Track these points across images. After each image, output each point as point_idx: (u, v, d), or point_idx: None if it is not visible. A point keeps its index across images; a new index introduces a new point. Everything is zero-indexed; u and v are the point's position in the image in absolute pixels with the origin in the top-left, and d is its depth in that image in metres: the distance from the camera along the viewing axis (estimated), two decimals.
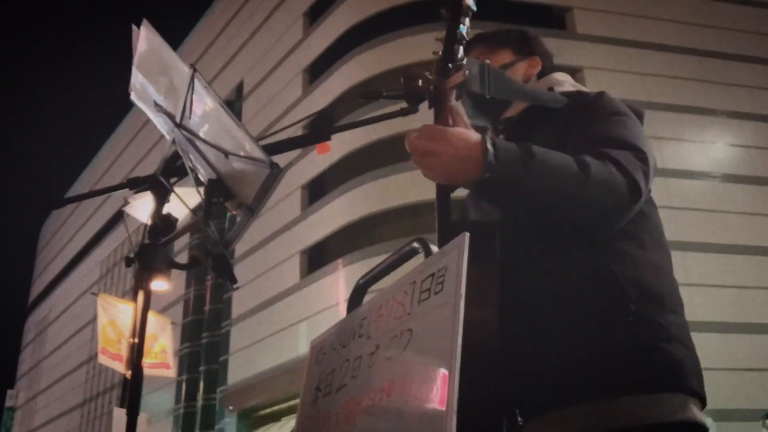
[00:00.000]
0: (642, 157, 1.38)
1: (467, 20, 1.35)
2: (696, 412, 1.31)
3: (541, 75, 1.73)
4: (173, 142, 1.49)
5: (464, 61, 1.38)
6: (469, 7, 1.34)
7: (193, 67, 1.38)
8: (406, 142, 1.34)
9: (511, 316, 1.33)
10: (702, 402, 1.35)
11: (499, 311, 1.28)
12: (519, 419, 1.34)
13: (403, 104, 1.43)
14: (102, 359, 8.16)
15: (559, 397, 1.31)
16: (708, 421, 1.36)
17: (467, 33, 1.38)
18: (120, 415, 6.69)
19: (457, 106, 1.39)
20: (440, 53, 1.37)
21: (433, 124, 1.36)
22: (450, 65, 1.35)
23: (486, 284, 1.29)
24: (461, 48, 1.36)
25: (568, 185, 1.28)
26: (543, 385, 1.33)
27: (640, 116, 1.58)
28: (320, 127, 19.04)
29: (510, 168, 1.28)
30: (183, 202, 1.46)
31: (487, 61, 1.47)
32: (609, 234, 1.37)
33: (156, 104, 1.49)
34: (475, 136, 1.31)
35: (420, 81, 1.38)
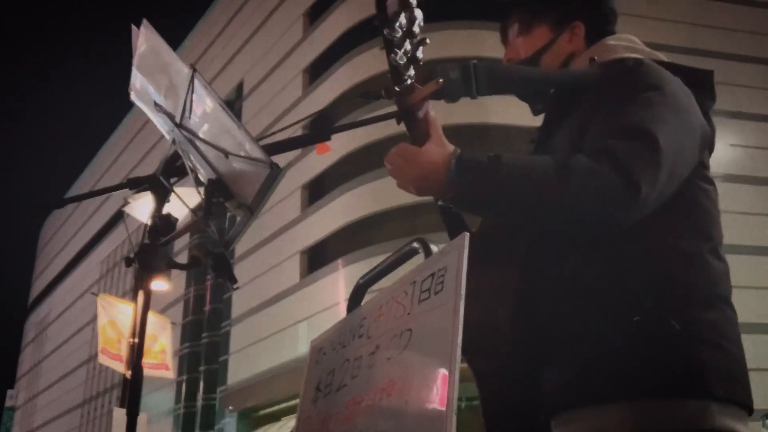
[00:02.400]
0: (652, 146, 1.26)
1: (407, 42, 1.28)
2: (722, 420, 1.22)
3: (592, 35, 1.59)
4: (173, 142, 1.49)
5: (409, 82, 1.32)
6: (390, 39, 1.27)
7: (193, 67, 1.38)
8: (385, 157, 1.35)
9: (531, 314, 1.32)
10: (743, 408, 1.27)
11: (516, 312, 1.28)
12: (541, 417, 1.34)
13: None
14: (102, 359, 8.16)
15: (575, 397, 1.29)
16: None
17: (409, 53, 1.31)
18: (120, 415, 6.68)
19: (432, 116, 1.36)
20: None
21: (405, 143, 1.35)
22: (398, 88, 1.32)
23: (504, 284, 1.29)
24: (411, 67, 1.30)
25: (538, 195, 1.25)
26: (561, 384, 1.31)
27: (704, 78, 1.46)
28: (320, 127, 19.03)
29: (471, 186, 1.28)
30: (183, 202, 1.46)
31: (474, 61, 1.40)
32: (636, 226, 1.28)
33: (156, 104, 1.49)
34: (442, 153, 1.30)
35: (392, 96, 1.35)
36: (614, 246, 1.32)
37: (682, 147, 1.32)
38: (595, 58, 1.51)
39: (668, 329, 1.24)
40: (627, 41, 1.56)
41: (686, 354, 1.24)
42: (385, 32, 1.26)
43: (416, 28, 1.28)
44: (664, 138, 1.28)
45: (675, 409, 1.22)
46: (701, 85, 1.45)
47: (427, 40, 1.30)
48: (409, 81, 1.32)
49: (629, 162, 1.24)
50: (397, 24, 1.25)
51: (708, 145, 1.44)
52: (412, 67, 1.31)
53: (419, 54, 1.31)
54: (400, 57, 1.28)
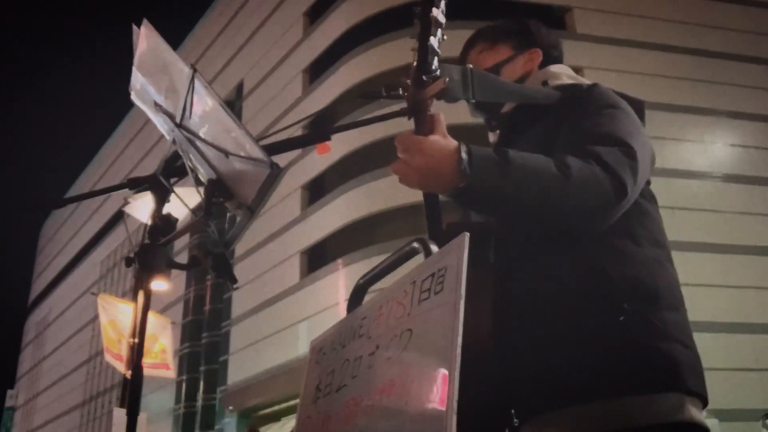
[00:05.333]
0: (630, 152, 1.36)
1: (439, 31, 1.32)
2: (694, 412, 1.30)
3: (545, 66, 1.72)
4: (173, 142, 1.49)
5: (438, 72, 1.35)
6: (437, 20, 1.32)
7: (193, 67, 1.38)
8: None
9: (506, 317, 1.33)
10: (703, 401, 1.34)
11: (493, 313, 1.29)
12: (515, 420, 1.34)
13: (403, 104, 1.43)
14: (107, 357, 8.18)
15: (553, 398, 1.31)
16: (713, 422, 1.35)
17: (440, 43, 1.34)
18: (120, 415, 6.68)
19: (438, 114, 1.37)
20: (414, 65, 1.35)
21: (410, 133, 1.35)
22: (424, 77, 1.34)
23: (480, 287, 1.29)
24: (435, 59, 1.34)
25: (546, 189, 1.27)
26: (538, 386, 1.33)
27: (638, 106, 1.56)
28: (320, 127, 19.03)
29: (485, 176, 1.27)
30: (183, 202, 1.46)
31: (470, 66, 1.46)
32: (602, 231, 1.36)
33: (156, 104, 1.49)
34: (450, 145, 1.30)
35: (401, 90, 1.38)
36: (582, 250, 1.37)
37: (646, 158, 1.42)
38: (548, 81, 1.64)
39: (650, 329, 1.31)
40: (567, 70, 1.70)
41: (663, 352, 1.30)
42: (432, 13, 1.29)
43: (440, 17, 1.31)
44: (637, 147, 1.38)
45: (655, 404, 1.27)
46: (636, 111, 1.54)
47: (445, 37, 1.33)
48: (436, 70, 1.34)
49: (614, 164, 1.32)
50: (441, 8, 1.28)
51: (653, 161, 1.52)
52: (436, 57, 1.33)
53: (437, 48, 1.34)
54: (438, 41, 1.32)
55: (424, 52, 1.32)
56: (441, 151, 1.29)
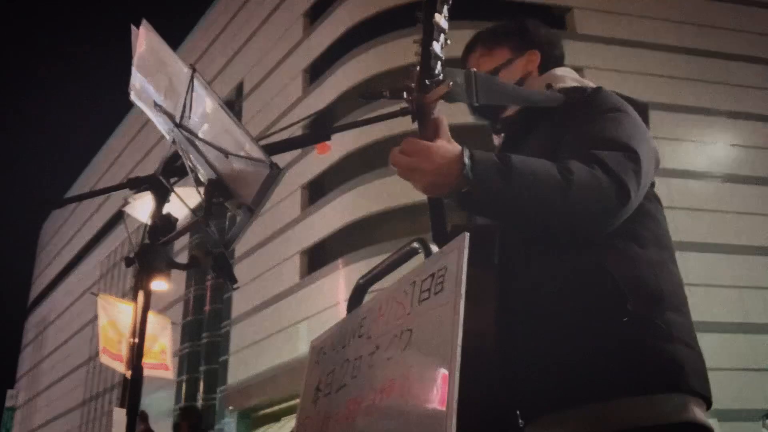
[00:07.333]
0: (633, 156, 1.36)
1: (442, 36, 1.33)
2: (697, 413, 1.30)
3: (545, 66, 1.72)
4: (173, 142, 1.49)
5: (441, 76, 1.35)
6: (439, 26, 1.32)
7: (193, 67, 1.38)
8: (390, 155, 1.35)
9: (511, 318, 1.33)
10: (706, 402, 1.34)
11: (497, 315, 1.29)
12: (520, 421, 1.34)
13: (403, 104, 1.43)
14: (103, 359, 8.14)
15: (557, 399, 1.31)
16: (713, 422, 1.35)
17: (443, 48, 1.35)
18: (120, 415, 6.67)
19: (442, 118, 1.37)
20: (418, 69, 1.35)
21: (414, 138, 1.35)
22: (428, 82, 1.34)
23: (484, 289, 1.29)
24: (439, 63, 1.34)
25: (549, 195, 1.28)
26: (542, 387, 1.33)
27: (642, 108, 1.56)
28: (320, 127, 19.04)
29: (487, 182, 1.27)
30: (183, 202, 1.46)
31: (474, 69, 1.46)
32: (606, 234, 1.36)
33: (156, 104, 1.49)
34: (454, 149, 1.31)
35: (405, 94, 1.38)
36: (585, 252, 1.37)
37: (649, 161, 1.42)
38: (552, 84, 1.64)
39: (654, 330, 1.32)
40: (571, 73, 1.70)
41: (667, 353, 1.31)
42: (434, 19, 1.29)
43: (443, 23, 1.31)
44: (640, 150, 1.38)
45: (658, 404, 1.28)
46: (640, 113, 1.55)
47: (449, 41, 1.33)
48: (439, 75, 1.34)
49: (617, 169, 1.33)
50: (444, 13, 1.28)
51: (657, 164, 1.53)
52: (439, 63, 1.33)
53: (440, 53, 1.34)
54: (441, 45, 1.32)
55: (427, 57, 1.32)
56: (446, 156, 1.30)
